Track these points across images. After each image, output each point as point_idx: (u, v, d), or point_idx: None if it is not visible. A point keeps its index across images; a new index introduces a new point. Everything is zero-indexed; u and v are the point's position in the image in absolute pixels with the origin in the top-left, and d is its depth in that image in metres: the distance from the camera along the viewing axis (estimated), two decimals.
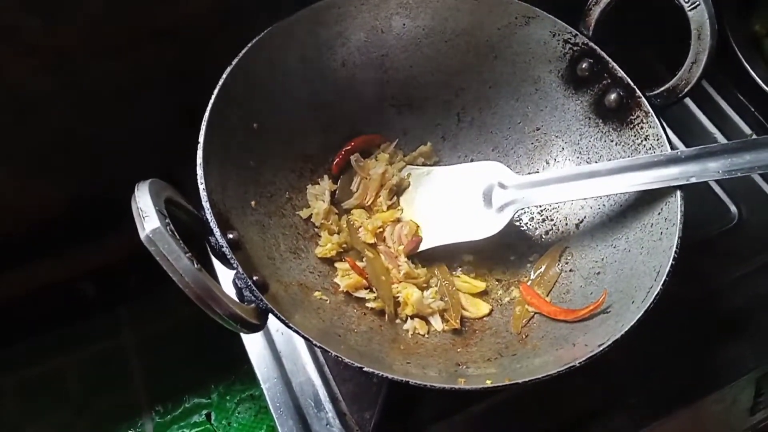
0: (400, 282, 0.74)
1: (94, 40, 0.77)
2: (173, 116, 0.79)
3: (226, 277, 0.72)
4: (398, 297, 0.72)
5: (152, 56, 0.81)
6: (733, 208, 0.87)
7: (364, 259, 0.74)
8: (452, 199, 0.78)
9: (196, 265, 0.47)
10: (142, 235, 0.47)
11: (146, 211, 0.48)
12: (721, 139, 0.92)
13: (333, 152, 0.80)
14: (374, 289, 0.72)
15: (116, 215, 0.73)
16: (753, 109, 0.91)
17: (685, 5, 0.67)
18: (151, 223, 0.47)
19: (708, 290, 0.81)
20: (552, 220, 0.79)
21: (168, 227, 0.48)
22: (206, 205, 0.58)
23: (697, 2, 0.67)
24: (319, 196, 0.77)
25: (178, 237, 0.48)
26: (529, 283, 0.75)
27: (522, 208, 0.76)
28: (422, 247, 0.76)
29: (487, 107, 0.82)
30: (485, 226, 0.74)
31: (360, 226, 0.77)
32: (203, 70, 0.66)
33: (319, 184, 0.78)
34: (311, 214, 0.76)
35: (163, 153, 0.80)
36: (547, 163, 0.80)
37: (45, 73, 0.78)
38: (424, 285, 0.74)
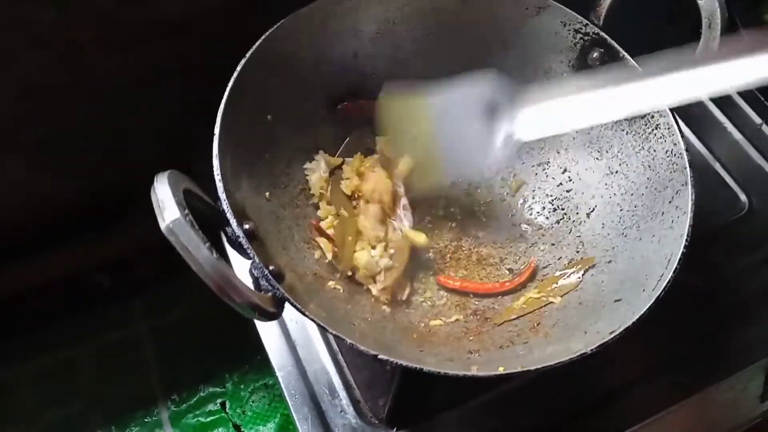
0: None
1: (106, 33, 0.78)
2: (187, 108, 0.80)
3: (240, 268, 0.73)
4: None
5: (165, 49, 0.82)
6: (743, 197, 0.87)
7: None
8: (449, 131, 0.71)
9: (215, 255, 0.48)
10: (163, 226, 0.48)
11: (166, 202, 0.49)
12: (731, 128, 0.92)
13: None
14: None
15: (130, 207, 0.74)
16: (763, 99, 0.91)
17: None
18: (171, 214, 0.48)
19: (718, 278, 0.81)
20: (563, 209, 0.79)
21: (187, 218, 0.49)
22: (222, 196, 0.58)
23: None
24: (315, 169, 0.77)
25: (197, 227, 0.49)
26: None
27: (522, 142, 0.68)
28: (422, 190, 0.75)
29: None
30: (486, 161, 0.68)
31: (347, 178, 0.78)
32: (216, 63, 0.67)
33: (315, 159, 0.78)
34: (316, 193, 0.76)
35: (177, 144, 0.81)
36: (558, 152, 0.81)
37: (57, 66, 0.79)
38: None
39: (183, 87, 0.85)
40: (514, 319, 0.71)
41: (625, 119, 0.74)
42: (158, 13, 0.78)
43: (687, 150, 0.68)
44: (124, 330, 0.98)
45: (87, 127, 0.86)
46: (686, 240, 0.63)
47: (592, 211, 0.77)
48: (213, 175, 0.60)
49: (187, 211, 0.49)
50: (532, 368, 0.57)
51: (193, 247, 0.47)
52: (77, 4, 0.74)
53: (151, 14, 0.78)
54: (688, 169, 0.67)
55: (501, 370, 0.58)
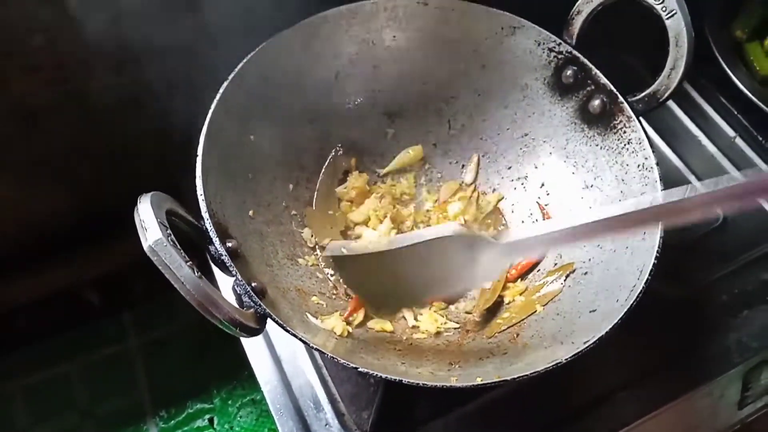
0: None
1: (93, 55, 0.79)
2: (174, 126, 0.82)
3: (225, 283, 0.75)
4: None
5: (151, 69, 0.83)
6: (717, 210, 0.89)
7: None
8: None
9: (196, 273, 0.50)
10: (145, 246, 0.49)
11: (148, 223, 0.50)
12: (706, 142, 0.95)
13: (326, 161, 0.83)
14: None
15: (120, 223, 0.75)
16: (736, 112, 0.94)
17: (663, 14, 0.70)
18: (153, 235, 0.50)
19: (694, 288, 0.83)
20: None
21: (169, 238, 0.50)
22: (205, 215, 0.60)
23: (674, 11, 0.69)
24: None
25: (179, 247, 0.50)
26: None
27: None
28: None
29: (477, 114, 0.84)
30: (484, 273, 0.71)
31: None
32: (201, 84, 0.69)
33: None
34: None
35: (165, 161, 0.83)
36: (536, 167, 0.83)
37: (48, 87, 0.81)
38: None
39: (170, 105, 0.87)
40: (504, 330, 0.73)
41: (598, 135, 0.77)
42: (143, 36, 0.80)
43: (658, 164, 0.70)
44: (115, 345, 0.99)
45: (77, 146, 0.88)
46: (657, 251, 0.64)
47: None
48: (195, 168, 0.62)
49: (169, 231, 0.51)
50: (509, 378, 0.58)
51: (175, 266, 0.49)
52: (67, 30, 0.75)
53: (136, 38, 0.79)
54: (658, 182, 0.69)
55: (479, 381, 0.59)
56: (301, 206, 0.79)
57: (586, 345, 0.60)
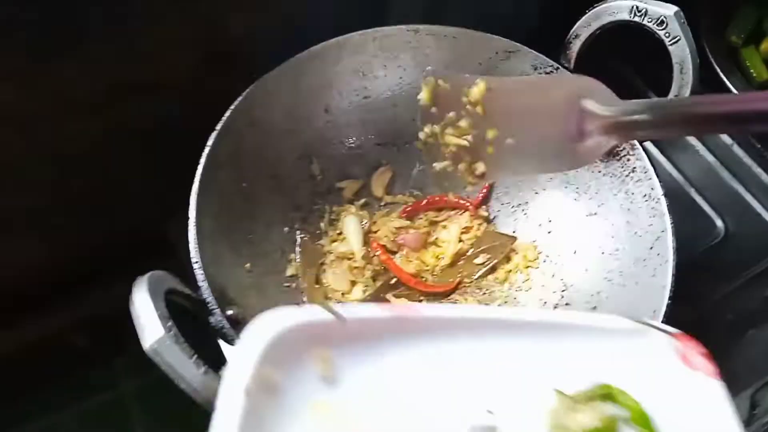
0: None
1: (68, 101, 0.75)
2: (160, 169, 0.78)
3: None
4: None
5: (130, 112, 0.79)
6: (719, 223, 0.88)
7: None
8: (536, 119, 0.64)
9: (202, 370, 0.47)
10: (146, 347, 0.46)
11: (147, 320, 0.47)
12: (703, 150, 0.93)
13: (321, 198, 0.80)
14: None
15: (107, 266, 0.72)
16: None
17: (666, 39, 0.67)
18: (154, 333, 0.46)
19: (698, 307, 0.82)
20: (545, 251, 0.78)
21: (171, 332, 0.47)
22: (203, 284, 0.57)
23: (678, 37, 0.67)
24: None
25: (182, 340, 0.47)
26: None
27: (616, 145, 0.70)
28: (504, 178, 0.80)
29: None
30: (571, 158, 0.63)
31: None
32: (186, 125, 0.66)
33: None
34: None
35: (153, 204, 0.79)
36: (536, 193, 0.80)
37: (19, 138, 0.76)
38: None
39: (153, 148, 0.83)
40: None
41: (601, 161, 0.74)
42: (121, 78, 0.75)
43: (665, 195, 0.68)
44: (108, 392, 0.96)
45: (56, 193, 0.84)
46: (671, 291, 0.63)
47: (574, 254, 0.76)
48: (188, 233, 0.60)
49: (170, 323, 0.48)
50: None
51: (179, 365, 0.46)
52: (37, 78, 0.71)
53: (113, 79, 0.75)
54: (666, 216, 0.67)
55: None
56: (297, 248, 0.76)
57: None
